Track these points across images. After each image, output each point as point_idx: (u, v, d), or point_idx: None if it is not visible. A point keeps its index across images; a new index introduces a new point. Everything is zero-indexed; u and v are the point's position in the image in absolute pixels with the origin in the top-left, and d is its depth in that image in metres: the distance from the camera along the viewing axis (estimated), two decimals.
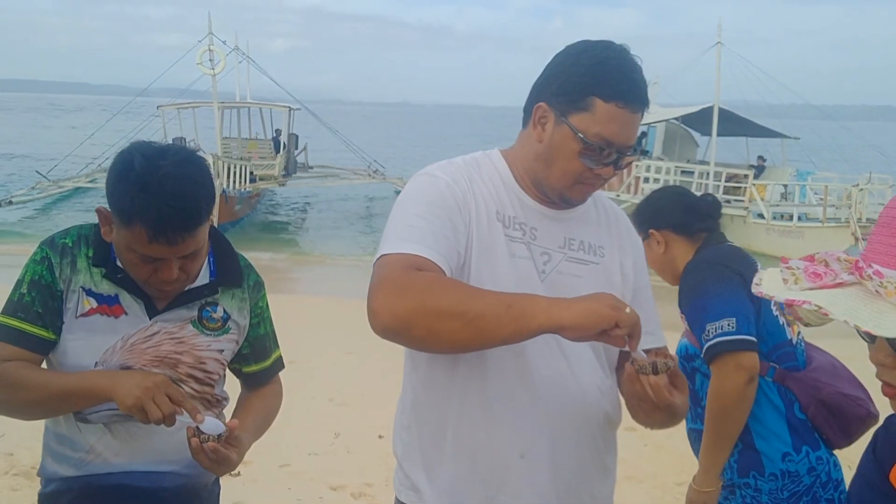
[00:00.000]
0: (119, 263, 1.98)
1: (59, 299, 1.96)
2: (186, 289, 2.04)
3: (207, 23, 21.56)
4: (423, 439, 1.92)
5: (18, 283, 1.97)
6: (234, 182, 20.99)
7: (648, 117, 1.82)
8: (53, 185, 25.13)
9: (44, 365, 2.01)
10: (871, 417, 2.62)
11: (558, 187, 1.87)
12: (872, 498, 1.47)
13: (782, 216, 20.64)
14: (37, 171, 26.36)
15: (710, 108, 23.26)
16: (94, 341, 1.97)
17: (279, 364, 2.32)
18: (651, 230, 2.90)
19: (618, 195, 22.64)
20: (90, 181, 25.10)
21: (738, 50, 26.25)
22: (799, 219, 20.00)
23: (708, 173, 21.86)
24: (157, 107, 26.72)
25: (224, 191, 19.43)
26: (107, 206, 1.91)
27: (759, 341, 2.59)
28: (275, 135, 28.94)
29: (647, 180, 22.96)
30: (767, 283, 1.39)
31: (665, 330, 2.04)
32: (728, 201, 19.89)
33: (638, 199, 18.98)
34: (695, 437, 2.78)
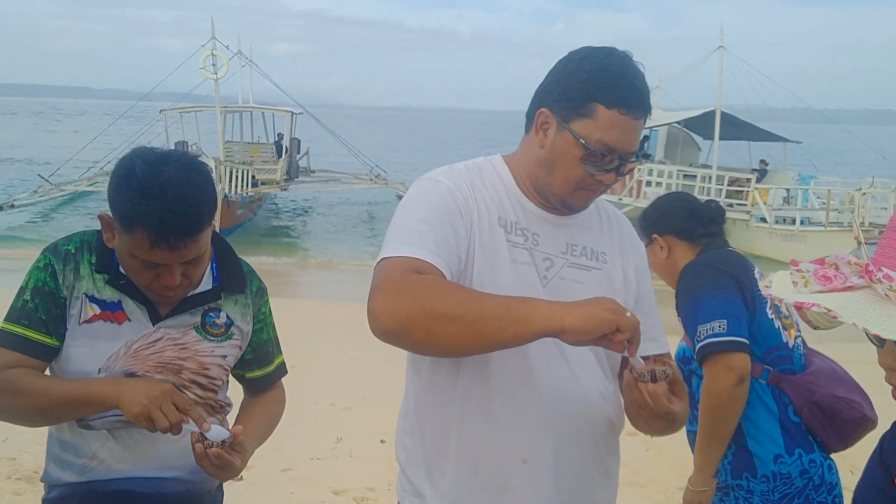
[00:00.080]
0: (122, 269, 1.98)
1: (62, 306, 1.96)
2: (189, 295, 2.04)
3: (210, 27, 21.61)
4: (426, 445, 1.91)
5: (22, 290, 1.97)
6: (236, 187, 21.02)
7: (650, 121, 1.83)
8: (55, 188, 25.17)
9: (47, 372, 2.00)
10: (866, 421, 2.63)
11: (560, 193, 1.86)
12: (878, 501, 1.47)
13: (785, 220, 20.64)
14: (39, 175, 26.41)
15: (713, 112, 23.26)
16: (97, 348, 1.97)
17: (282, 369, 2.32)
18: (654, 235, 2.95)
19: (620, 199, 22.66)
20: (91, 185, 25.14)
21: (740, 54, 26.30)
22: (801, 223, 20.00)
23: (710, 177, 21.88)
24: (160, 111, 26.78)
25: (226, 195, 19.46)
26: (109, 211, 1.91)
27: (753, 344, 2.62)
28: (277, 139, 28.99)
29: (649, 184, 22.97)
30: (777, 286, 1.40)
31: (667, 334, 2.04)
32: (730, 205, 19.89)
33: (640, 203, 19.02)
34: (693, 439, 2.80)
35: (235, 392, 2.23)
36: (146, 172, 1.82)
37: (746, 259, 2.86)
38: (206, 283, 2.09)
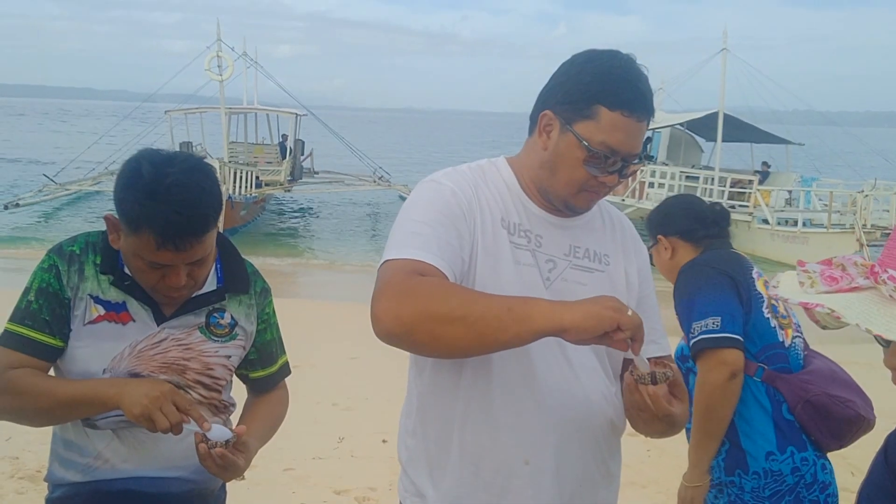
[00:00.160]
0: (126, 270, 1.99)
1: (66, 307, 1.97)
2: (194, 295, 2.05)
3: (216, 29, 21.64)
4: (428, 445, 1.92)
5: (26, 291, 1.98)
6: (240, 187, 21.04)
7: (653, 123, 1.84)
8: (60, 188, 25.19)
9: (51, 372, 2.01)
10: (860, 420, 2.64)
11: (563, 195, 1.87)
12: (883, 501, 1.48)
13: (787, 222, 20.64)
14: (44, 175, 26.43)
15: (715, 114, 23.25)
16: (101, 348, 1.97)
17: (286, 370, 2.33)
18: (659, 236, 3.00)
19: (622, 200, 22.65)
20: (96, 184, 25.16)
21: (743, 56, 26.26)
22: (803, 225, 19.99)
23: (712, 179, 21.87)
24: (165, 112, 26.81)
25: (230, 196, 19.46)
26: (114, 212, 1.92)
27: (748, 342, 2.66)
28: (281, 140, 29.00)
29: (651, 185, 22.96)
30: (784, 286, 1.41)
31: (669, 335, 2.05)
32: (732, 207, 19.86)
33: (642, 204, 18.98)
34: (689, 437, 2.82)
35: (239, 392, 2.24)
36: (152, 174, 1.83)
37: (745, 259, 2.89)
38: (211, 284, 2.10)
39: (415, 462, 1.95)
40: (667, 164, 24.46)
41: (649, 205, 21.75)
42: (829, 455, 2.79)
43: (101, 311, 1.98)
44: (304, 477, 5.18)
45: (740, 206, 20.86)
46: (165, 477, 2.06)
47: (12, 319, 1.97)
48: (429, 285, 1.65)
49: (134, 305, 2.00)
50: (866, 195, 19.97)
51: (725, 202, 19.22)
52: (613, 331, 1.55)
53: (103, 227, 2.01)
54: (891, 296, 1.26)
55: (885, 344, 1.38)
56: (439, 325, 1.58)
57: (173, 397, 1.88)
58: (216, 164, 17.54)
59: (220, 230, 2.04)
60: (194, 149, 24.95)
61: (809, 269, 1.37)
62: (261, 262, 14.68)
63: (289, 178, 25.55)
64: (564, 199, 1.88)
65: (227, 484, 2.27)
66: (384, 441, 5.75)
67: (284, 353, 2.32)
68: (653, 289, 2.07)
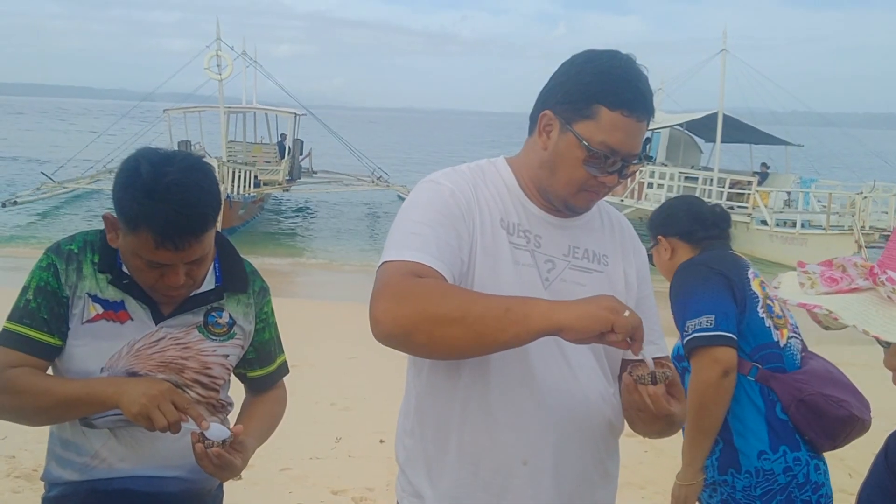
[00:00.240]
0: (125, 269, 1.99)
1: (64, 305, 1.97)
2: (192, 294, 2.05)
3: (216, 28, 21.64)
4: (426, 445, 1.92)
5: (24, 290, 1.98)
6: (239, 187, 21.04)
7: (652, 123, 1.85)
8: (58, 186, 25.17)
9: (49, 371, 2.01)
10: (854, 420, 2.64)
11: (563, 195, 1.87)
12: (884, 501, 1.48)
13: (785, 223, 20.65)
14: (42, 172, 26.41)
15: (715, 115, 23.27)
16: (99, 347, 1.97)
17: (284, 369, 2.33)
18: (659, 236, 3.03)
19: (621, 200, 22.67)
20: (94, 182, 25.16)
21: (743, 57, 26.29)
22: (802, 226, 20.00)
23: (712, 179, 21.88)
24: (164, 110, 26.82)
25: (228, 196, 19.46)
26: (113, 211, 1.92)
27: (742, 341, 2.68)
28: (280, 139, 29.00)
29: (650, 186, 22.98)
30: (785, 287, 1.41)
31: (666, 336, 2.05)
32: (731, 208, 19.88)
33: (641, 205, 18.99)
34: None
35: (236, 391, 2.24)
36: (151, 173, 1.83)
37: (741, 259, 2.90)
38: (209, 283, 2.09)
39: (413, 462, 1.95)
40: (666, 165, 24.48)
41: (648, 205, 21.77)
42: (827, 457, 2.79)
43: (100, 310, 1.98)
44: (301, 477, 5.18)
45: (739, 207, 20.88)
46: (162, 476, 2.05)
47: (11, 318, 1.97)
48: (427, 287, 1.65)
49: (132, 304, 2.00)
50: (865, 197, 20.01)
51: (724, 203, 19.24)
52: (608, 332, 1.55)
53: (101, 226, 2.01)
54: (889, 297, 1.26)
55: (886, 345, 1.38)
56: (438, 327, 1.59)
57: (172, 396, 1.87)
58: (214, 164, 17.54)
59: (219, 229, 2.04)
60: (193, 148, 24.94)
61: (810, 271, 1.37)
62: (259, 261, 14.67)
63: (287, 178, 25.54)
64: (564, 199, 1.88)
65: (224, 483, 2.26)
66: (382, 441, 5.75)
67: (283, 352, 2.32)
68: (651, 289, 2.07)
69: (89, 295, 1.98)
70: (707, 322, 2.64)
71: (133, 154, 1.91)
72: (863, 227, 18.89)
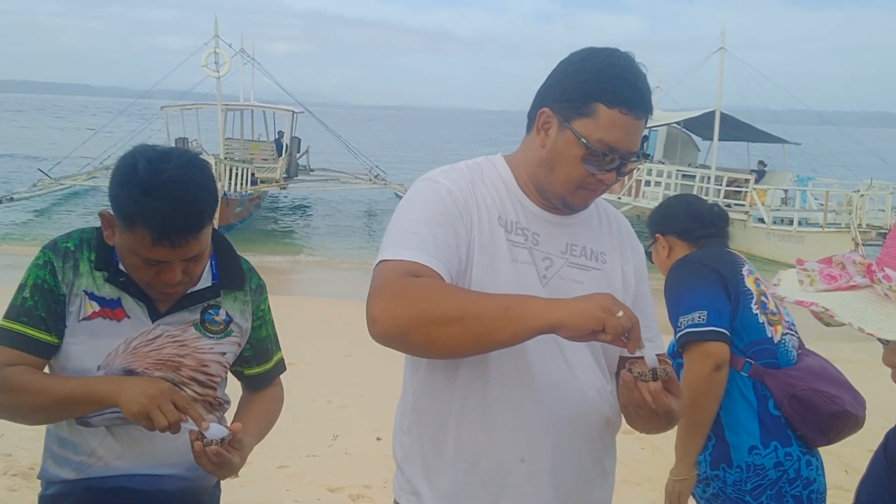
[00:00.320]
0: (121, 267, 1.98)
1: (61, 303, 1.96)
2: (189, 292, 2.04)
3: (214, 26, 21.62)
4: (424, 443, 1.92)
5: (21, 288, 1.97)
6: (236, 184, 21.02)
7: (650, 121, 1.86)
8: (55, 182, 25.13)
9: (46, 369, 2.00)
10: (847, 416, 2.65)
11: (561, 192, 1.87)
12: (882, 498, 1.48)
13: (782, 221, 20.69)
14: (39, 169, 26.36)
15: (712, 113, 23.27)
16: (96, 345, 1.97)
17: (281, 366, 2.32)
18: (658, 234, 3.06)
19: (619, 198, 22.67)
20: (90, 179, 25.12)
21: (740, 55, 26.32)
22: (799, 224, 20.04)
23: (709, 177, 21.90)
24: (161, 107, 26.79)
25: (225, 193, 19.44)
26: (109, 209, 1.92)
27: (735, 337, 2.70)
28: (277, 137, 28.97)
29: (648, 184, 23.00)
30: (784, 284, 1.41)
31: (663, 333, 2.06)
32: (729, 205, 19.90)
33: (639, 202, 19.02)
34: None
35: (233, 389, 2.23)
36: (148, 170, 1.82)
37: (736, 256, 2.92)
38: (206, 281, 2.09)
39: (410, 460, 1.95)
40: (663, 163, 24.49)
41: (645, 203, 21.78)
42: (823, 453, 2.80)
43: (96, 308, 1.98)
44: (298, 475, 5.17)
45: (736, 204, 20.91)
46: (159, 474, 2.05)
47: (7, 316, 1.96)
48: (424, 287, 1.65)
49: (129, 302, 2.00)
50: (862, 195, 20.04)
51: (722, 201, 19.27)
52: (600, 331, 1.56)
53: (98, 224, 2.01)
54: (886, 294, 1.26)
55: (885, 342, 1.38)
56: (436, 327, 1.59)
57: (172, 396, 1.87)
58: (211, 161, 17.52)
59: (215, 227, 2.04)
60: (190, 145, 24.93)
61: (809, 268, 1.37)
62: (256, 259, 14.65)
63: (284, 176, 25.51)
64: (562, 197, 1.88)
65: (221, 481, 2.26)
66: (378, 439, 5.75)
67: (279, 349, 2.32)
68: (648, 287, 2.08)
69: (86, 292, 1.97)
70: (699, 318, 2.67)
71: (130, 151, 1.91)
72: (860, 224, 18.92)
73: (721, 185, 21.52)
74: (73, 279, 1.97)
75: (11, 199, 22.92)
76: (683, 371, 2.69)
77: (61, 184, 25.30)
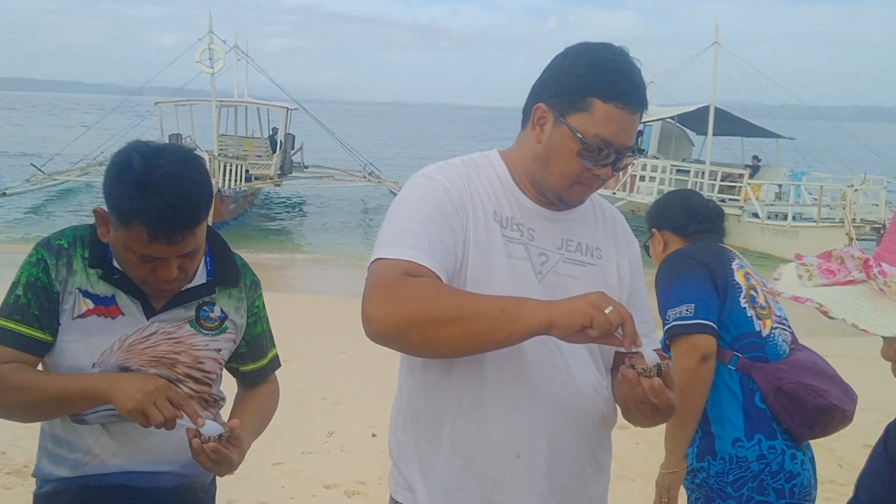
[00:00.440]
0: (115, 264, 1.98)
1: (55, 301, 1.95)
2: (184, 288, 2.04)
3: (208, 22, 21.58)
4: (419, 439, 1.92)
5: (14, 286, 1.96)
6: (230, 181, 20.98)
7: (645, 116, 1.88)
8: (48, 178, 25.06)
9: (39, 367, 2.00)
10: (834, 410, 2.66)
11: (557, 188, 1.87)
12: (882, 491, 1.48)
13: (777, 216, 20.70)
14: (32, 164, 26.26)
15: (706, 108, 23.30)
16: (91, 342, 1.96)
17: (276, 363, 2.32)
18: (653, 229, 3.10)
19: (613, 193, 22.69)
20: (84, 174, 25.07)
21: (734, 50, 26.34)
22: (793, 219, 20.07)
23: (703, 172, 21.92)
24: (155, 103, 26.72)
25: (219, 190, 19.40)
26: (103, 205, 1.91)
27: (723, 330, 2.73)
28: (271, 133, 28.93)
29: (642, 179, 23.01)
30: (785, 279, 1.41)
31: (658, 329, 2.06)
32: (723, 200, 19.94)
33: (633, 198, 19.03)
34: None
35: (227, 386, 2.23)
36: (143, 166, 1.82)
37: (726, 250, 2.95)
38: (200, 277, 2.08)
39: (406, 456, 1.95)
40: (658, 158, 24.50)
41: (640, 198, 21.80)
42: (817, 447, 2.81)
43: (91, 305, 1.97)
44: (293, 471, 5.17)
45: (731, 199, 20.94)
46: (155, 471, 2.04)
47: (0, 314, 1.95)
48: (421, 287, 1.66)
49: (123, 299, 1.99)
50: (856, 189, 20.06)
51: (716, 196, 19.31)
52: (588, 326, 1.57)
53: (90, 221, 2.00)
54: (881, 289, 1.26)
55: (885, 337, 1.38)
56: (432, 328, 1.61)
57: (167, 392, 1.87)
58: (206, 157, 17.48)
59: (210, 224, 2.03)
60: (184, 141, 24.89)
61: (808, 263, 1.37)
62: (250, 256, 14.63)
63: (279, 173, 25.48)
64: (558, 192, 1.88)
65: (217, 478, 2.26)
66: (374, 435, 5.74)
67: (274, 345, 2.32)
68: (644, 282, 2.08)
69: (80, 290, 1.97)
70: (687, 311, 2.70)
71: (124, 147, 1.90)
72: (854, 219, 18.96)
73: (715, 179, 21.55)
74: (67, 277, 1.96)
75: (4, 195, 22.87)
76: (672, 364, 2.71)
77: (54, 179, 25.23)
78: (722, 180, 21.66)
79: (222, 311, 2.11)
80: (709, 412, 2.75)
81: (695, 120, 25.83)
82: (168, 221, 1.82)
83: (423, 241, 1.74)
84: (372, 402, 6.36)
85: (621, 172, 2.37)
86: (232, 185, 21.15)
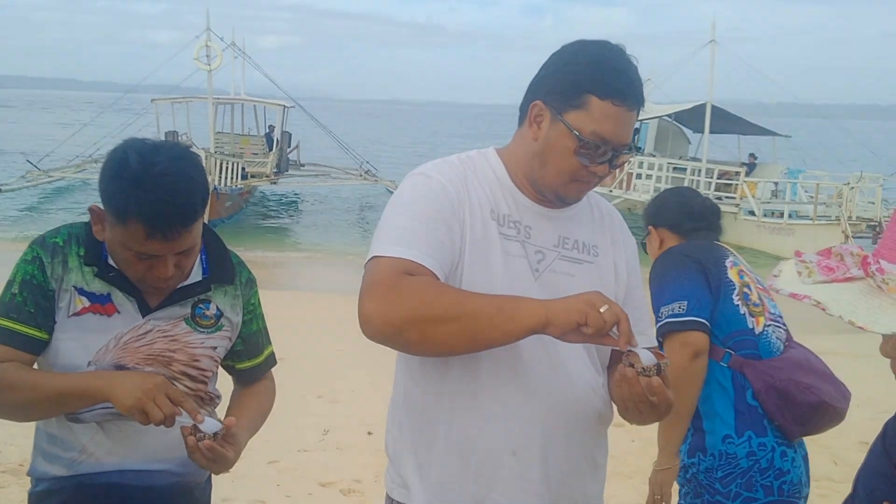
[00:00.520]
0: (111, 262, 1.97)
1: (51, 299, 1.94)
2: (180, 286, 2.03)
3: (205, 19, 21.57)
4: (415, 436, 1.92)
5: (9, 284, 1.95)
6: (226, 179, 20.98)
7: (641, 113, 1.88)
8: (44, 174, 25.03)
9: (34, 366, 1.99)
10: (825, 407, 2.67)
11: (554, 185, 1.87)
12: (881, 487, 1.48)
13: (773, 213, 20.75)
14: (27, 161, 26.22)
15: (703, 106, 23.34)
16: (87, 340, 1.95)
17: (271, 360, 2.32)
18: (650, 227, 3.12)
19: (610, 191, 22.71)
20: (80, 171, 25.04)
21: (731, 48, 26.37)
22: (789, 216, 20.11)
23: (700, 170, 21.95)
24: (152, 100, 26.70)
25: (215, 187, 19.40)
26: (99, 203, 1.90)
27: (715, 328, 2.74)
28: (268, 131, 28.92)
29: (639, 176, 23.04)
30: (785, 276, 1.41)
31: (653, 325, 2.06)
32: (719, 198, 19.96)
33: (630, 195, 19.06)
34: None
35: (223, 385, 2.22)
36: (140, 163, 1.81)
37: (721, 248, 2.96)
38: (196, 275, 2.08)
39: (401, 453, 1.95)
40: (654, 156, 24.54)
41: (636, 196, 21.83)
42: (812, 444, 2.81)
43: (86, 303, 1.96)
44: (289, 469, 5.17)
45: (727, 197, 20.97)
46: (151, 470, 2.04)
47: None
48: (418, 286, 1.66)
49: (119, 297, 1.98)
50: (852, 187, 20.10)
51: (712, 194, 19.32)
52: (583, 324, 1.57)
53: (86, 219, 1.99)
54: (879, 287, 1.27)
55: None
56: (430, 327, 1.61)
57: (166, 389, 1.86)
58: (202, 155, 17.48)
59: (205, 221, 2.03)
60: (180, 139, 24.88)
61: (807, 260, 1.38)
62: (246, 253, 14.64)
63: (275, 171, 25.48)
64: (555, 190, 1.88)
65: (212, 477, 2.25)
66: (370, 433, 5.75)
67: (270, 343, 2.31)
68: (640, 280, 2.08)
69: (75, 288, 1.96)
70: (679, 308, 2.71)
71: (120, 144, 1.90)
72: (850, 217, 19.00)
73: (712, 177, 21.58)
74: (63, 275, 1.95)
75: (0, 191, 22.84)
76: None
77: (50, 176, 25.21)
78: (718, 178, 21.69)
79: (218, 308, 2.11)
80: (700, 409, 2.77)
81: (691, 118, 25.88)
82: (164, 218, 1.81)
83: (421, 240, 1.74)
84: (368, 400, 6.36)
85: (618, 170, 2.38)
86: (228, 183, 21.15)
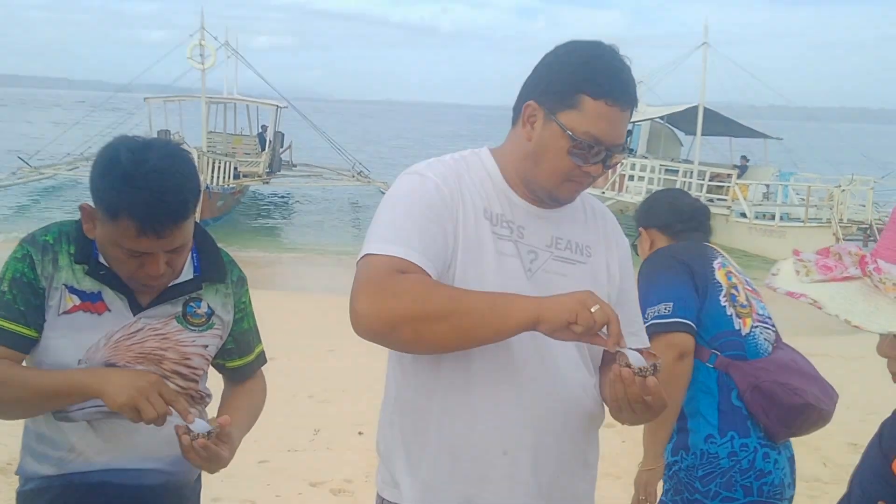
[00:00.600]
0: (101, 260, 1.96)
1: (41, 297, 1.94)
2: (170, 285, 2.03)
3: (200, 18, 21.55)
4: (406, 435, 1.92)
5: None
6: (218, 178, 20.95)
7: (634, 115, 1.89)
8: (35, 171, 24.94)
9: (24, 364, 1.98)
10: (810, 409, 2.68)
11: (547, 185, 1.87)
12: (876, 487, 1.49)
13: (764, 216, 20.81)
14: (18, 157, 26.12)
15: (695, 108, 23.38)
16: (77, 339, 1.94)
17: (262, 358, 2.32)
18: (640, 228, 3.13)
19: (602, 192, 22.74)
20: (72, 169, 24.96)
21: (723, 51, 26.42)
22: (781, 219, 20.17)
23: (692, 172, 22.00)
24: (144, 98, 26.65)
25: (207, 186, 19.36)
26: (89, 202, 1.90)
27: (701, 329, 2.75)
28: (260, 131, 28.88)
29: (631, 178, 23.07)
30: (783, 274, 1.42)
31: None
32: (711, 200, 20.03)
33: (622, 197, 19.09)
34: None
35: (213, 384, 2.22)
36: (131, 160, 1.81)
37: (709, 249, 2.97)
38: (187, 273, 2.07)
39: (392, 453, 1.95)
40: (646, 158, 24.57)
41: (629, 197, 21.86)
42: (801, 446, 2.82)
43: (77, 301, 1.95)
44: (279, 469, 5.16)
45: (719, 199, 21.03)
46: (141, 469, 2.03)
47: None
48: (411, 284, 1.66)
49: (109, 295, 1.98)
50: (843, 190, 20.19)
51: (704, 196, 19.38)
52: (573, 322, 1.58)
53: (77, 217, 1.99)
54: (876, 286, 1.27)
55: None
56: (423, 325, 1.62)
57: (160, 387, 1.86)
58: (194, 153, 17.44)
59: (197, 220, 2.03)
60: (172, 137, 24.82)
61: (805, 259, 1.38)
62: (238, 253, 14.61)
63: (267, 171, 25.45)
64: (549, 190, 1.88)
65: (202, 476, 2.25)
66: (360, 433, 5.74)
67: (260, 341, 2.31)
68: (633, 281, 2.09)
69: (66, 286, 1.95)
70: (665, 309, 2.72)
71: (111, 142, 1.89)
72: (841, 219, 19.08)
73: (703, 179, 21.65)
74: (53, 272, 1.94)
75: None
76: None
77: (41, 173, 25.13)
78: (710, 180, 21.76)
79: (209, 307, 2.10)
80: (685, 409, 2.78)
81: (683, 120, 25.92)
82: (155, 215, 1.81)
83: (413, 238, 1.74)
84: (359, 399, 6.36)
85: (610, 171, 2.38)
86: (220, 182, 21.12)
